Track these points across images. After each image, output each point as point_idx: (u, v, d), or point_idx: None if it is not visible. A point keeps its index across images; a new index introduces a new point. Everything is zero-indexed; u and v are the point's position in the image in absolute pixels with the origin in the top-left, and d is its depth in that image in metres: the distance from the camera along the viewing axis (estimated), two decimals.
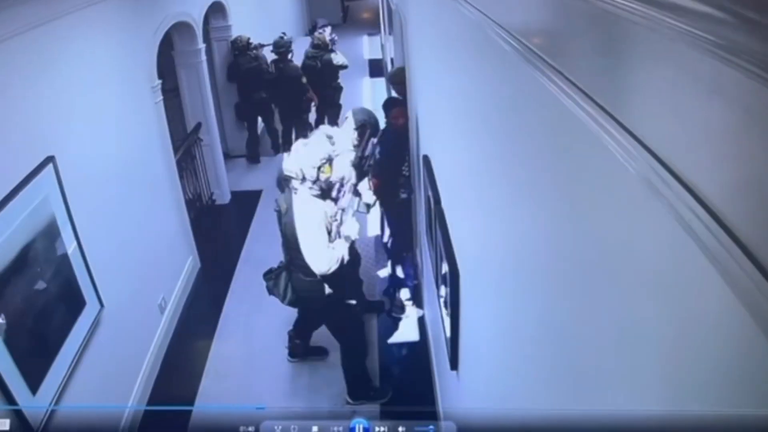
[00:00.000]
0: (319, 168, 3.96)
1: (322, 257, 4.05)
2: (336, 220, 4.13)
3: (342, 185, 4.23)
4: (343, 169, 4.41)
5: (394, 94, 5.86)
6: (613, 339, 1.09)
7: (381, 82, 11.92)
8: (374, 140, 4.97)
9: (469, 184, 2.32)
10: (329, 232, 4.10)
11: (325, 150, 4.01)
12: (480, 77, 1.90)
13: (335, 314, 4.44)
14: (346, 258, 4.15)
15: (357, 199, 4.29)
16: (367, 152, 4.77)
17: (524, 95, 1.40)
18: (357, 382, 4.72)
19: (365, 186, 4.87)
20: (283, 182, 4.24)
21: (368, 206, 4.48)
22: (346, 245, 4.18)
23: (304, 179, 3.99)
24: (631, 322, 1.03)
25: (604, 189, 1.08)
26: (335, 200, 4.20)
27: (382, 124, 5.31)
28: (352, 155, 4.63)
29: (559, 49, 1.21)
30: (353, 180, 4.52)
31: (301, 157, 3.99)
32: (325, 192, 4.12)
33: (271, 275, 4.37)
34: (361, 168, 4.69)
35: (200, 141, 7.42)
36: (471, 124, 2.16)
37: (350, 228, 4.22)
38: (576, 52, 1.14)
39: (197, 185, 7.33)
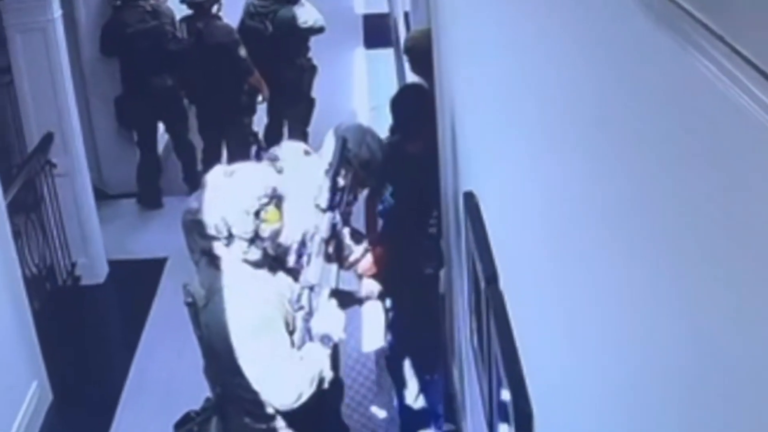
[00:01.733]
0: (256, 213, 3.11)
1: (285, 378, 3.15)
2: (301, 307, 3.24)
3: (304, 244, 3.35)
4: (305, 215, 3.39)
5: (410, 76, 5.04)
6: None
7: (387, 56, 8.70)
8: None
9: (561, 245, 1.81)
10: (291, 331, 3.21)
11: (265, 181, 3.18)
12: (590, 54, 1.50)
13: None
14: (328, 374, 3.23)
15: (334, 267, 3.40)
16: (348, 196, 3.67)
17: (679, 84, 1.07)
18: None
19: (354, 252, 3.83)
20: (196, 246, 3.35)
21: (357, 280, 3.66)
22: (326, 351, 3.24)
23: (230, 237, 3.12)
24: None
25: None
26: (294, 272, 3.33)
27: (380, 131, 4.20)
28: (319, 192, 3.51)
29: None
30: (324, 233, 3.44)
31: (224, 195, 3.14)
32: (276, 258, 3.26)
33: (189, 426, 3.35)
34: (332, 208, 3.54)
35: (52, 167, 5.54)
36: (570, 135, 1.69)
37: (328, 319, 3.28)
38: None
39: (46, 250, 5.51)
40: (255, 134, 6.51)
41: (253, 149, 6.19)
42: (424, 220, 4.23)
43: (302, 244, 3.37)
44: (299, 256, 3.36)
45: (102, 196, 6.43)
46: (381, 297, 4.09)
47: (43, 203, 5.41)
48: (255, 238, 3.16)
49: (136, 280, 5.91)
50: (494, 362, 2.65)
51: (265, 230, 3.16)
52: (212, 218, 3.13)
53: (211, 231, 3.15)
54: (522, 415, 2.22)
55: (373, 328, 4.42)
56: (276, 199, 3.16)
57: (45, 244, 5.41)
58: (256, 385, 3.17)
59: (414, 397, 4.61)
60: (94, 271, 5.93)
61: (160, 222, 6.44)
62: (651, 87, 1.19)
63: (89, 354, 5.26)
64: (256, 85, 6.34)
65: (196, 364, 3.51)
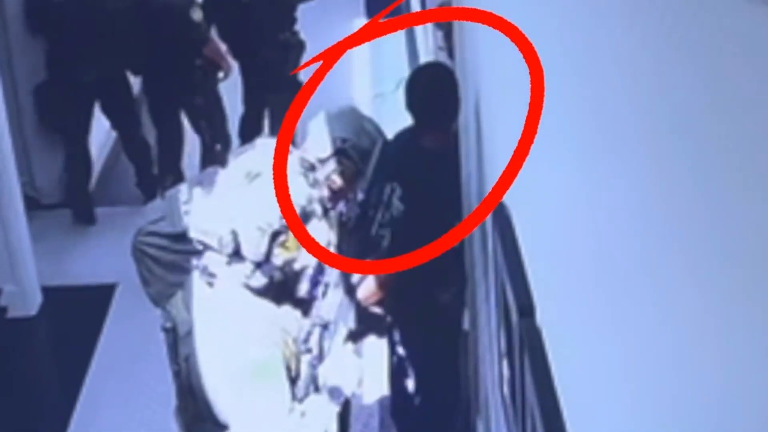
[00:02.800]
0: (275, 235, 2.99)
1: None
2: (309, 349, 3.10)
3: (322, 270, 3.18)
4: (320, 235, 3.26)
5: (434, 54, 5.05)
6: None
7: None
8: (391, 187, 3.92)
9: (616, 270, 1.75)
10: (293, 378, 3.07)
11: (295, 193, 3.07)
12: (666, 38, 1.38)
13: None
14: None
15: (354, 303, 3.44)
16: (346, 209, 3.66)
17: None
18: None
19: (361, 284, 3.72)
20: (152, 277, 3.28)
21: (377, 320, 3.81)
22: (334, 408, 3.14)
23: (237, 255, 2.98)
24: None
25: None
26: (305, 305, 3.16)
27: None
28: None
29: None
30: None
31: (241, 202, 3.02)
32: (283, 285, 3.09)
33: None
34: (366, 233, 3.71)
35: None
36: (633, 134, 1.58)
37: (342, 367, 3.16)
38: None
39: None
40: (209, 118, 6.02)
41: (201, 138, 5.76)
42: (442, 232, 3.95)
43: (319, 270, 3.18)
44: (314, 284, 3.17)
45: (34, 206, 5.89)
46: (386, 330, 4.03)
47: None
48: (264, 263, 3.01)
49: (78, 312, 5.41)
50: (529, 416, 2.51)
51: (279, 256, 3.03)
52: (218, 228, 2.99)
53: (213, 243, 3.01)
54: None
55: (376, 372, 4.30)
56: (310, 214, 3.08)
57: None
58: None
59: None
60: (25, 301, 5.39)
61: (107, 239, 5.81)
62: (744, 79, 1.05)
63: (18, 404, 4.81)
64: (213, 57, 5.75)
65: (155, 414, 3.45)
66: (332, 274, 3.27)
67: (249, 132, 6.00)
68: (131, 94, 6.09)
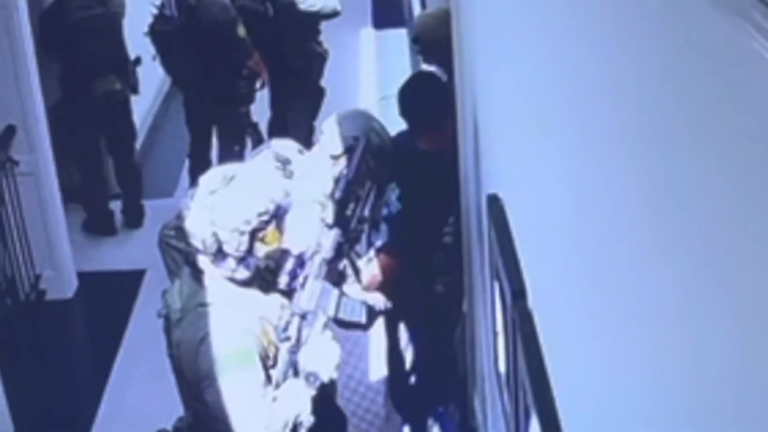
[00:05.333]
0: (254, 232, 2.95)
1: (251, 420, 3.02)
2: (287, 337, 3.08)
3: (302, 264, 3.17)
4: (306, 231, 3.28)
5: (423, 65, 4.96)
6: None
7: (399, 37, 8.33)
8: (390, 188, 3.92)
9: (601, 257, 1.78)
10: (268, 366, 3.05)
11: (270, 192, 3.02)
12: (636, 41, 1.47)
13: None
14: (306, 419, 3.07)
15: (334, 293, 3.26)
16: (362, 210, 3.60)
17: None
18: None
19: (364, 270, 3.72)
20: (176, 266, 3.29)
21: (368, 310, 3.46)
22: (308, 392, 3.08)
23: (221, 253, 2.98)
24: None
25: None
26: (286, 294, 3.15)
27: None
28: (325, 206, 3.46)
29: None
30: (327, 253, 3.30)
31: (218, 205, 2.97)
32: (266, 277, 3.11)
33: None
34: (346, 229, 3.47)
35: (13, 165, 5.33)
36: (614, 131, 1.64)
37: (320, 355, 3.13)
38: None
39: (6, 261, 5.36)
40: (254, 125, 6.14)
41: (249, 142, 5.86)
42: (437, 228, 4.04)
43: (298, 263, 3.21)
44: (292, 277, 3.19)
45: (71, 198, 6.00)
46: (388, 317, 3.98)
47: (2, 206, 5.19)
48: (247, 256, 3.03)
49: (110, 296, 5.66)
50: (522, 392, 2.55)
51: (260, 250, 3.03)
52: (201, 231, 2.98)
53: (197, 244, 3.01)
54: None
55: (379, 353, 4.35)
56: (279, 218, 3.03)
57: (5, 253, 5.21)
58: (220, 424, 3.07)
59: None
60: (62, 285, 5.62)
61: (137, 229, 6.15)
62: (705, 76, 1.13)
63: (55, 380, 5.03)
64: (255, 69, 5.90)
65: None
66: (312, 268, 3.26)
67: (276, 132, 6.06)
68: (132, 120, 6.18)
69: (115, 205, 6.31)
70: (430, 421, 4.45)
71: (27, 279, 5.38)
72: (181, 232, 3.18)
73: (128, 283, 5.63)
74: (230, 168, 3.14)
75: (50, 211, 5.40)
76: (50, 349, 5.22)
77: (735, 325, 1.09)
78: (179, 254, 3.29)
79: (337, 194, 3.42)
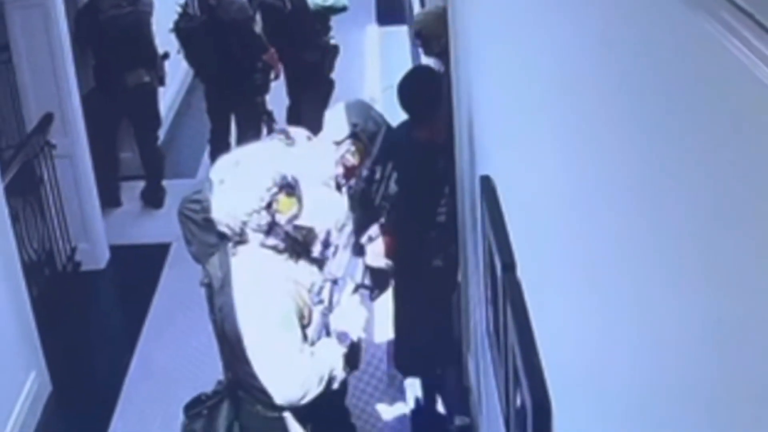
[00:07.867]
0: (268, 205, 2.94)
1: (292, 375, 2.98)
2: (321, 300, 3.08)
3: (329, 237, 3.14)
4: (331, 205, 3.23)
5: (424, 58, 5.01)
6: None
7: (400, 34, 8.46)
8: (389, 170, 3.91)
9: (583, 231, 1.75)
10: (304, 325, 3.03)
11: (273, 165, 2.97)
12: (619, 33, 1.43)
13: None
14: (339, 374, 3.07)
15: (361, 261, 3.35)
16: (354, 183, 3.65)
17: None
18: None
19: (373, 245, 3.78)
20: (193, 238, 3.27)
21: (384, 277, 3.63)
22: (341, 350, 3.08)
23: (245, 233, 2.97)
24: None
25: None
26: (319, 262, 3.14)
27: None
28: (330, 187, 3.40)
29: None
30: (350, 226, 3.35)
31: (231, 191, 2.96)
32: (297, 246, 3.05)
33: (199, 408, 3.19)
34: (370, 204, 3.65)
35: (51, 149, 5.35)
36: (596, 116, 1.61)
37: (350, 316, 3.13)
38: None
39: (45, 235, 5.34)
40: (269, 113, 6.22)
41: (264, 128, 6.03)
42: (431, 209, 4.11)
43: (330, 233, 3.21)
44: (325, 246, 3.20)
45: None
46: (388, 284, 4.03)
47: (42, 186, 5.26)
48: (272, 227, 3.02)
49: (139, 266, 5.77)
50: (511, 353, 2.57)
51: (282, 218, 3.02)
52: (223, 217, 2.99)
53: (224, 229, 3.01)
54: (540, 408, 2.18)
55: (383, 319, 4.43)
56: (286, 187, 3.00)
57: (44, 228, 5.27)
58: (262, 378, 3.06)
59: (423, 391, 4.54)
60: (95, 257, 5.78)
61: (163, 205, 6.31)
62: (680, 67, 1.12)
63: (90, 342, 5.16)
64: (270, 62, 6.06)
65: (202, 352, 3.40)
66: (342, 238, 3.28)
67: (293, 120, 6.15)
68: (158, 109, 6.27)
69: (137, 186, 6.40)
70: (428, 382, 4.48)
71: (64, 251, 5.48)
72: (197, 205, 3.21)
73: (156, 255, 5.75)
74: (234, 154, 3.17)
75: (84, 190, 5.54)
76: (85, 315, 5.36)
77: (717, 291, 1.05)
78: (195, 226, 3.26)
79: (364, 173, 3.41)
